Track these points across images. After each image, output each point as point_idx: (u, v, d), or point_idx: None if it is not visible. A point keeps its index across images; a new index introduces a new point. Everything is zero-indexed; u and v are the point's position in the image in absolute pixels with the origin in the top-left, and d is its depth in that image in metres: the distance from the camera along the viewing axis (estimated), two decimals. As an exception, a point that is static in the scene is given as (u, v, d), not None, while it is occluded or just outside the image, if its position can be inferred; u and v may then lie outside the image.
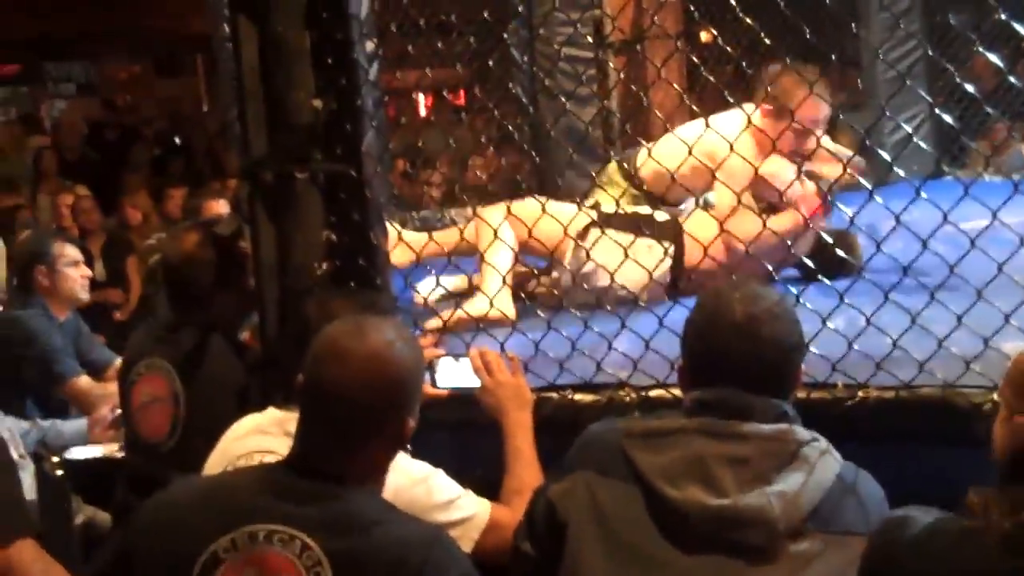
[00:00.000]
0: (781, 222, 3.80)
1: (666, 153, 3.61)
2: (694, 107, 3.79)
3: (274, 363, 3.03)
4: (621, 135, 5.95)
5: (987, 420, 2.55)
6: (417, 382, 2.16)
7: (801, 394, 2.64)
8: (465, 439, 3.06)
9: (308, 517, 2.00)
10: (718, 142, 3.35)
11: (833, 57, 3.14)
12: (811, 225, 3.89)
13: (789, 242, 3.65)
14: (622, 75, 4.32)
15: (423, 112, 11.71)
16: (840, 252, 3.27)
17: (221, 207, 5.54)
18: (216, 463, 2.55)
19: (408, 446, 2.32)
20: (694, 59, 3.81)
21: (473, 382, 2.91)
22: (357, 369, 2.05)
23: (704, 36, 7.66)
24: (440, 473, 2.56)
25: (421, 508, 2.38)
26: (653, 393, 2.90)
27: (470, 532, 2.52)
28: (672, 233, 3.89)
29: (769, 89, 3.75)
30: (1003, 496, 1.78)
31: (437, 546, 2.04)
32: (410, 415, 2.12)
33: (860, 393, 2.73)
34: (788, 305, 2.20)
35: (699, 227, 3.76)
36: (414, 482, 2.49)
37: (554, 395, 3.03)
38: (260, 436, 2.54)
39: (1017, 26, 2.75)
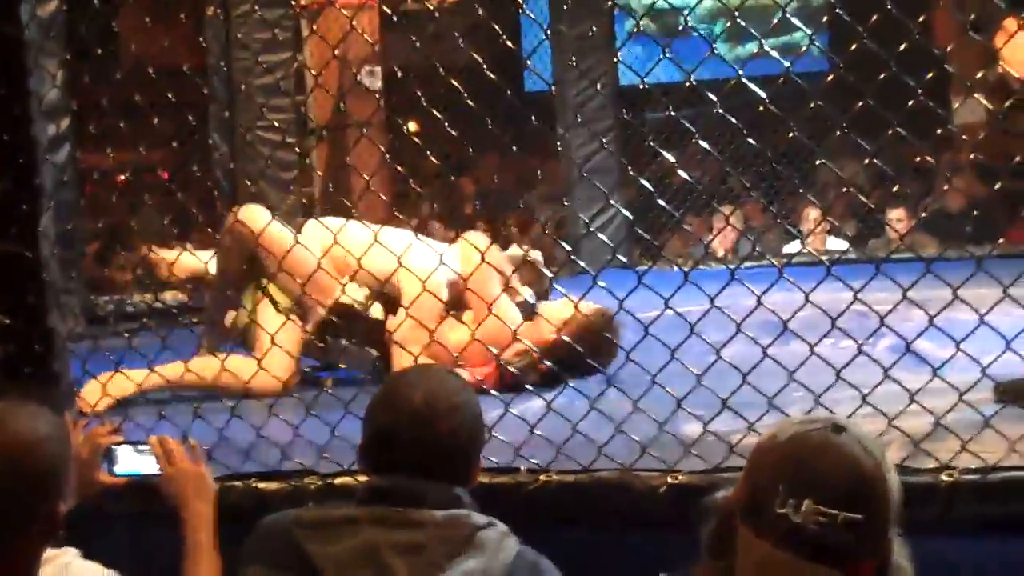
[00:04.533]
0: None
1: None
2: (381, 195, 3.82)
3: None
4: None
5: (661, 501, 2.66)
6: (64, 467, 2.09)
7: (484, 479, 2.65)
8: (144, 532, 2.95)
9: None
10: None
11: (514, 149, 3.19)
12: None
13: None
14: (309, 160, 4.30)
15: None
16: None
17: None
18: None
19: (63, 538, 2.23)
20: (381, 148, 3.82)
21: (153, 470, 2.80)
22: None
23: (412, 126, 7.78)
24: (113, 574, 2.45)
25: None
26: (339, 480, 2.86)
27: None
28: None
29: None
30: None
31: None
32: (60, 500, 2.05)
33: (542, 477, 2.77)
34: (471, 395, 2.20)
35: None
36: None
37: (238, 484, 2.96)
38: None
39: (688, 125, 2.90)
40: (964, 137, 3.42)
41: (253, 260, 4.01)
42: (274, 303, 4.09)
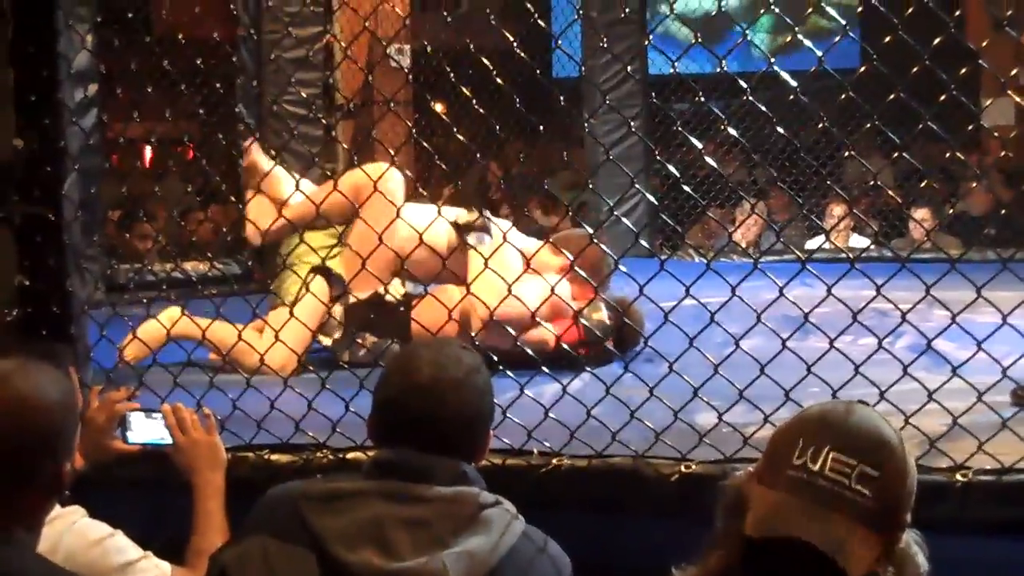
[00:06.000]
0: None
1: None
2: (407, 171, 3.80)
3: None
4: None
5: (673, 489, 2.65)
6: (68, 427, 2.08)
7: (496, 460, 2.66)
8: (156, 499, 2.95)
9: None
10: None
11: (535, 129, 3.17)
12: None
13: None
14: (334, 135, 4.28)
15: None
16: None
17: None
18: None
19: (68, 495, 2.23)
20: (408, 124, 3.79)
21: (166, 439, 2.81)
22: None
23: (439, 107, 7.79)
24: (119, 535, 2.45)
25: (97, 571, 2.28)
26: (351, 455, 2.86)
27: None
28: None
29: None
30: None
31: None
32: (65, 460, 2.04)
33: (555, 461, 2.76)
34: (480, 373, 2.17)
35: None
36: (90, 544, 2.38)
37: (250, 455, 2.96)
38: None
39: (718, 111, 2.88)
40: (995, 135, 3.39)
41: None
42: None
